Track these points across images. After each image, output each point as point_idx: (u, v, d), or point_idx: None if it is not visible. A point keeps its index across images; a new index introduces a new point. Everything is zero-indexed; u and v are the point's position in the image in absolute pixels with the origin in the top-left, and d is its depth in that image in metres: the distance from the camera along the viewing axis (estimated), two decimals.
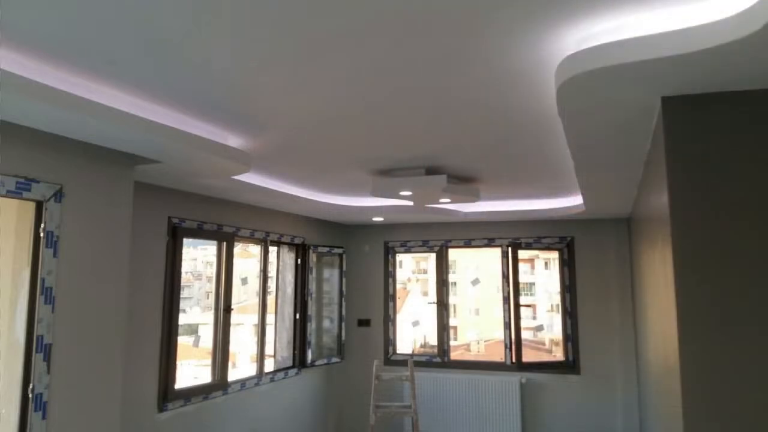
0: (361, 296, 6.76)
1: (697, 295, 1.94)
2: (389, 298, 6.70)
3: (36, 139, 2.52)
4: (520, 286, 6.23)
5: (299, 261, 5.97)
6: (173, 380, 4.10)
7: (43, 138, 2.55)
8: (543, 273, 8.51)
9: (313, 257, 6.06)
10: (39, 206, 2.57)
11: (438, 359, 6.41)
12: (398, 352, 6.65)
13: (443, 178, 3.93)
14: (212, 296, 4.80)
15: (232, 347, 4.82)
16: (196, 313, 5.63)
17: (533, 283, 8.62)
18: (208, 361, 4.62)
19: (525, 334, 6.28)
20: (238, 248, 5.12)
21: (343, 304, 6.58)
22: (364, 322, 6.70)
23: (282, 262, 5.74)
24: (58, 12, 1.73)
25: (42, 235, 2.55)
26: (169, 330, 4.10)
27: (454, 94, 2.43)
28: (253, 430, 4.98)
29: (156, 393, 3.96)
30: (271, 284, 5.60)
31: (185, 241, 4.32)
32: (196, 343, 5.11)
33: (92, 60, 2.09)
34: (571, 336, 6.01)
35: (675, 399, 2.13)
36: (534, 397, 6.00)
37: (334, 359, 6.30)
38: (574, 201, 5.17)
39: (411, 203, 4.78)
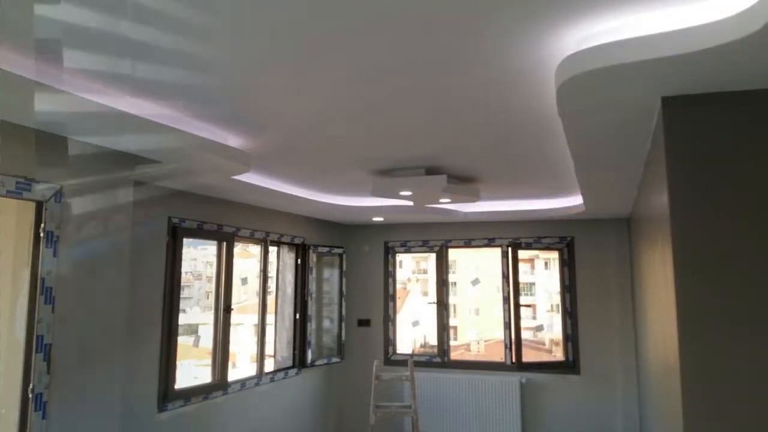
0: (361, 296, 6.76)
1: (697, 295, 1.94)
2: (389, 298, 6.70)
3: (36, 139, 2.52)
4: (520, 286, 6.23)
5: (299, 261, 5.97)
6: (173, 380, 4.09)
7: (43, 138, 2.56)
8: (543, 273, 8.51)
9: (313, 257, 6.06)
10: (39, 206, 2.57)
11: (438, 359, 6.41)
12: (398, 352, 6.65)
13: (443, 178, 3.93)
14: (212, 296, 4.80)
15: (232, 347, 4.82)
16: (196, 313, 5.63)
17: (533, 283, 8.61)
18: (208, 361, 4.62)
19: (525, 334, 6.28)
20: (238, 248, 5.12)
21: (343, 304, 6.58)
22: (364, 322, 6.70)
23: (282, 262, 5.74)
24: (57, 12, 1.72)
25: (42, 235, 2.55)
26: (169, 330, 4.10)
27: (454, 94, 2.43)
28: (253, 430, 4.98)
29: (156, 393, 3.96)
30: (271, 284, 5.60)
31: (185, 241, 4.32)
32: (196, 343, 5.11)
33: (93, 60, 2.09)
34: (571, 336, 6.00)
35: (675, 399, 2.13)
36: (534, 397, 6.00)
37: (334, 359, 6.30)
38: (574, 201, 5.16)
39: (411, 203, 4.78)
